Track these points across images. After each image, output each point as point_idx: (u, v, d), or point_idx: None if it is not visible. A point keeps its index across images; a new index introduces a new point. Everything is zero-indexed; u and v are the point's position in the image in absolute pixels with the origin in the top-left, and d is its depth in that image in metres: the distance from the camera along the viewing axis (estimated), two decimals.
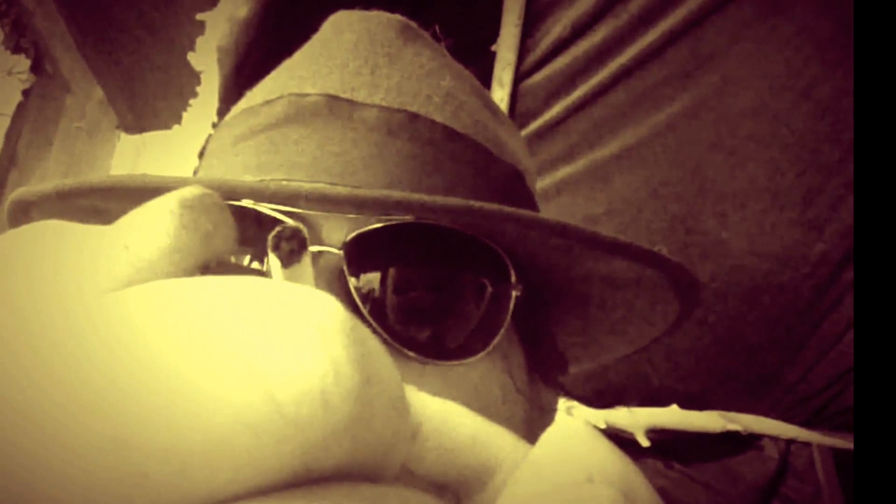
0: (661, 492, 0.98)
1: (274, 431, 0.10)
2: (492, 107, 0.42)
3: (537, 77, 0.99)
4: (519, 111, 0.99)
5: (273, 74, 0.40)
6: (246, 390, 0.10)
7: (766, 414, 1.05)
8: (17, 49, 1.58)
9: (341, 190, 0.31)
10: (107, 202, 0.35)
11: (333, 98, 0.36)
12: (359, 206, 0.31)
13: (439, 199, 0.31)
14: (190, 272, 0.13)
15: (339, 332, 0.11)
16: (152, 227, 0.13)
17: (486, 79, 0.98)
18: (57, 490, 0.10)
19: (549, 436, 0.14)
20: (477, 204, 0.31)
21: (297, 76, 0.37)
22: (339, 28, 0.40)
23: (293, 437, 0.11)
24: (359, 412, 0.11)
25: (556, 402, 0.41)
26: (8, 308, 0.12)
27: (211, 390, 0.10)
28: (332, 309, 0.12)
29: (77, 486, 0.10)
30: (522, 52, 0.98)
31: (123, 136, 1.84)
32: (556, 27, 0.96)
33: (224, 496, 0.10)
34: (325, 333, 0.11)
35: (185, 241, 0.13)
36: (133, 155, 1.85)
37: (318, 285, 0.31)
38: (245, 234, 0.31)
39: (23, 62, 1.60)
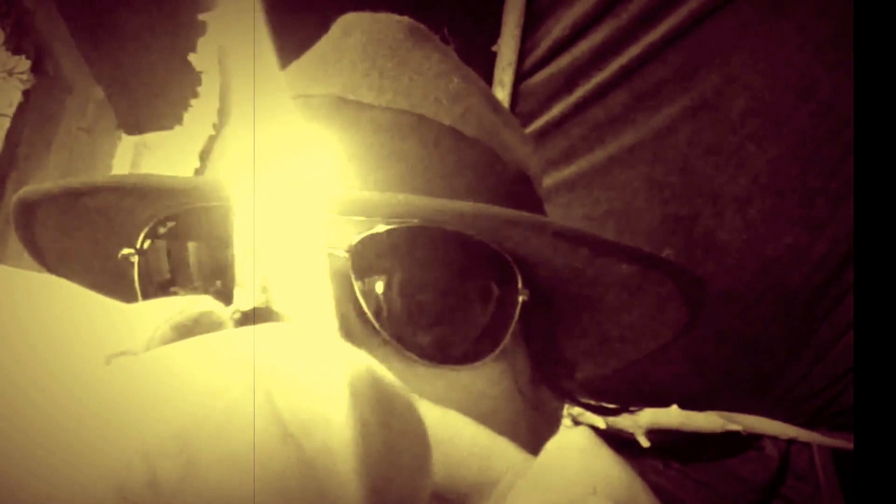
0: (661, 491, 0.98)
1: (306, 497, 0.11)
2: (500, 110, 0.41)
3: (538, 77, 0.99)
4: (519, 112, 0.99)
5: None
6: (283, 458, 0.11)
7: (767, 414, 1.05)
8: (17, 50, 1.58)
9: (346, 193, 0.31)
10: (113, 201, 0.35)
11: (341, 99, 0.35)
12: (364, 209, 0.31)
13: (446, 204, 0.31)
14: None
15: (367, 394, 0.11)
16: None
17: (487, 79, 0.98)
18: None
19: (552, 447, 0.14)
20: (484, 208, 0.31)
21: (304, 77, 0.37)
22: (347, 29, 0.39)
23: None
24: (384, 476, 0.11)
25: (561, 409, 0.41)
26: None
27: (249, 455, 0.10)
28: (359, 367, 0.12)
29: None
30: (523, 52, 0.98)
31: (124, 136, 1.83)
32: (557, 28, 0.96)
33: None
34: (355, 396, 0.11)
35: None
36: (133, 155, 1.84)
37: None
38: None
39: (23, 63, 1.60)
